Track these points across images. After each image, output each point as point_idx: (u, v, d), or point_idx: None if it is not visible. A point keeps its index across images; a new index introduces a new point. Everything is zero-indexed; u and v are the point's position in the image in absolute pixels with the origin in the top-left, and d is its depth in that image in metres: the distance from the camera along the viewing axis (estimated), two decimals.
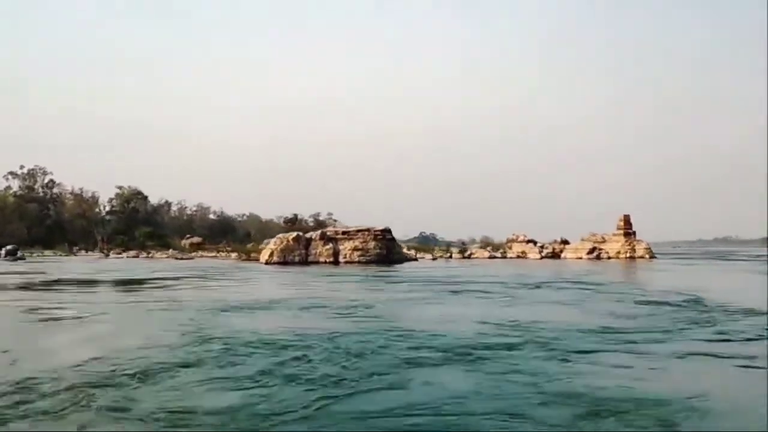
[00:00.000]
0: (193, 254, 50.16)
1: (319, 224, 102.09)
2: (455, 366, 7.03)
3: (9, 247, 42.78)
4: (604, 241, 47.68)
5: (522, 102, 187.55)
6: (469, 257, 48.63)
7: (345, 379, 6.24)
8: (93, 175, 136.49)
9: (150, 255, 50.85)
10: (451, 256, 49.09)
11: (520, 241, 51.12)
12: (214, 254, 51.84)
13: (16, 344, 8.02)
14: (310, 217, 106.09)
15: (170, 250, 53.20)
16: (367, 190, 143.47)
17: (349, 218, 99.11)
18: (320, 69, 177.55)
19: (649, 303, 12.89)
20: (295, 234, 39.46)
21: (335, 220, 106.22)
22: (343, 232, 40.01)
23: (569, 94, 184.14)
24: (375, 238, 39.68)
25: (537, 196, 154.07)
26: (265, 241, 45.91)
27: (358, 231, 39.91)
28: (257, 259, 41.36)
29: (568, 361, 7.32)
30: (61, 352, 7.42)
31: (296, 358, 7.07)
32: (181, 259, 45.65)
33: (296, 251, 38.12)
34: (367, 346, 7.89)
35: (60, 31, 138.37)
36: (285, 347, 7.70)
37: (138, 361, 6.85)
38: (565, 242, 50.16)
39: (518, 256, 48.38)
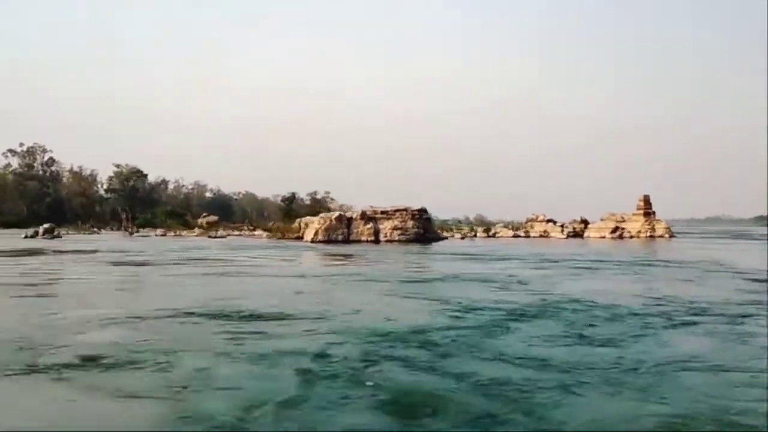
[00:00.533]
0: (224, 233, 51.42)
1: (316, 202, 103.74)
2: (703, 326, 8.88)
3: (46, 225, 43.67)
4: (624, 220, 50.21)
5: (522, 92, 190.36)
6: (494, 236, 50.80)
7: (640, 335, 8.11)
8: (89, 154, 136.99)
9: (178, 233, 52.03)
10: (475, 235, 51.16)
11: (540, 221, 53.39)
12: (238, 233, 53.19)
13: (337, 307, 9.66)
14: (307, 195, 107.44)
15: (196, 229, 54.42)
16: (359, 172, 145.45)
17: (345, 197, 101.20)
18: (322, 57, 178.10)
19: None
20: (337, 214, 41.13)
21: (332, 199, 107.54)
22: (382, 212, 41.67)
23: (568, 87, 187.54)
24: (413, 218, 41.56)
25: (524, 180, 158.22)
26: (298, 220, 47.43)
27: (396, 210, 41.69)
28: (291, 238, 43.09)
29: None
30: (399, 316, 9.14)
31: (589, 324, 8.87)
32: (215, 237, 46.99)
33: (339, 230, 39.82)
34: (603, 313, 9.74)
35: (61, 12, 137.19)
36: (554, 313, 9.54)
37: (458, 322, 8.68)
38: (584, 222, 52.56)
39: (541, 236, 50.64)
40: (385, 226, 40.80)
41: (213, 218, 63.69)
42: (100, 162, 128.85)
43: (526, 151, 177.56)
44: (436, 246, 36.05)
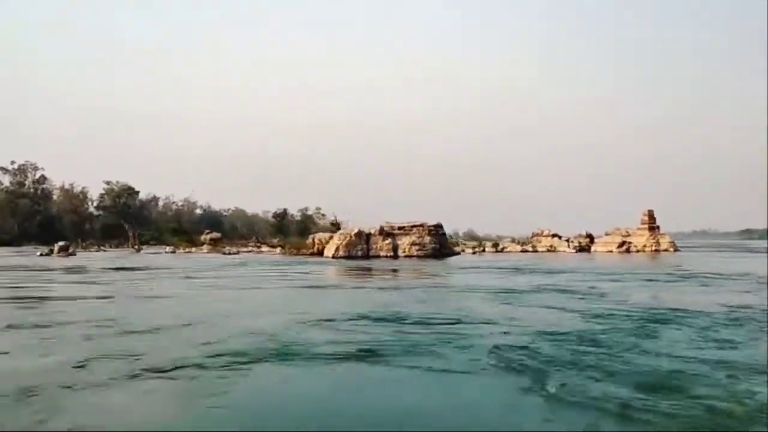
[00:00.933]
0: (235, 249, 51.97)
1: (307, 218, 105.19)
2: None
3: (61, 243, 43.91)
4: (629, 234, 51.98)
5: (522, 93, 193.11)
6: (502, 251, 52.16)
7: (757, 338, 9.32)
8: (74, 165, 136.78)
9: (188, 250, 52.43)
10: (484, 250, 52.44)
11: (546, 236, 54.92)
12: (248, 250, 53.79)
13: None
14: (298, 211, 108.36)
15: (205, 246, 54.88)
16: (355, 174, 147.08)
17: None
18: (321, 57, 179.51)
19: None
20: (356, 230, 42.10)
21: (323, 215, 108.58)
22: (399, 228, 42.83)
23: (568, 87, 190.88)
24: (429, 233, 42.80)
25: (524, 180, 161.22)
26: (311, 236, 48.26)
27: (413, 226, 42.91)
28: (306, 254, 43.95)
29: None
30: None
31: (706, 328, 10.02)
32: (228, 254, 47.57)
33: (359, 246, 40.86)
34: (710, 319, 10.92)
35: (60, 12, 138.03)
36: (670, 319, 10.72)
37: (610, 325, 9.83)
38: (589, 236, 54.22)
39: (548, 250, 52.10)
40: (403, 242, 41.93)
41: (216, 235, 64.00)
42: (95, 167, 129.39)
43: (526, 151, 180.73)
44: (457, 261, 37.15)
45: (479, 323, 9.55)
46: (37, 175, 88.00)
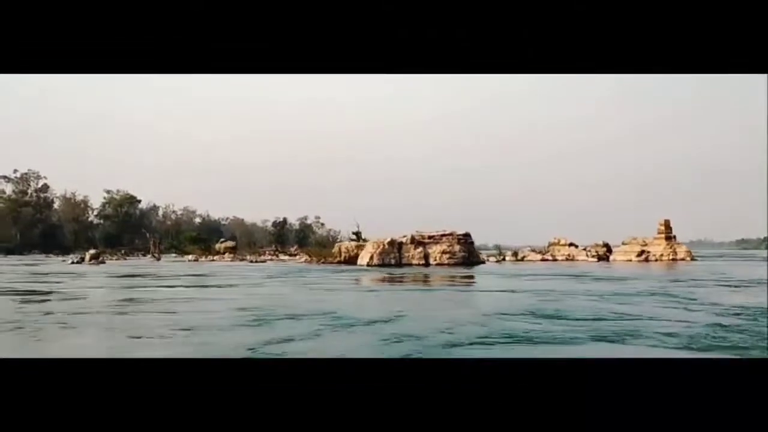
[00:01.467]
0: (261, 258, 52.87)
1: (306, 228, 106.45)
2: None
3: (92, 251, 44.57)
4: (646, 244, 53.79)
5: (521, 93, 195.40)
6: (522, 260, 53.66)
7: None
8: (71, 166, 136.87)
9: (211, 258, 53.19)
10: (504, 259, 53.87)
11: (563, 245, 56.54)
12: (270, 258, 54.72)
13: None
14: (296, 220, 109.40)
15: (226, 255, 55.69)
16: (352, 177, 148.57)
17: (332, 221, 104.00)
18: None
19: None
20: (389, 239, 43.32)
21: (323, 224, 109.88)
22: (429, 237, 44.17)
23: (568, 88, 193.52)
24: (459, 242, 44.18)
25: (525, 181, 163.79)
26: (337, 244, 49.39)
27: (443, 236, 44.30)
28: (333, 263, 45.11)
29: None
30: None
31: None
32: (255, 262, 48.51)
33: (391, 254, 42.13)
34: None
35: None
36: None
37: None
38: (606, 245, 55.91)
39: (567, 259, 53.66)
40: (434, 250, 43.25)
41: (231, 244, 64.90)
42: (93, 170, 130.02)
43: (525, 152, 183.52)
44: (491, 268, 38.49)
45: (645, 319, 10.84)
46: (40, 184, 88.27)
